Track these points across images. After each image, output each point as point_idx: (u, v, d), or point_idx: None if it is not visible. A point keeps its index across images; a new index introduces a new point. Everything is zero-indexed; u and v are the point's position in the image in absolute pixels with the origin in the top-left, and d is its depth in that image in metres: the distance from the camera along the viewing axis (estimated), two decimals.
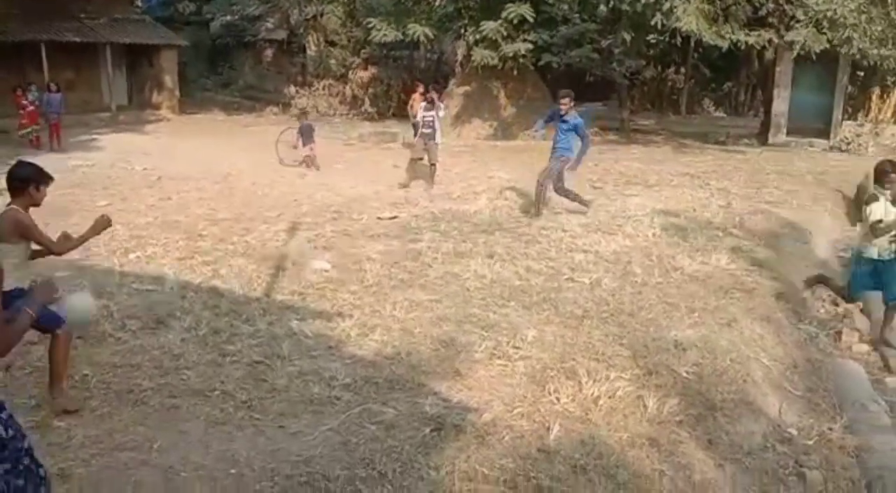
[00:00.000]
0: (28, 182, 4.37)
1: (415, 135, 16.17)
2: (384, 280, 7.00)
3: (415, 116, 16.17)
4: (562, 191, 10.12)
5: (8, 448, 2.73)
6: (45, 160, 14.20)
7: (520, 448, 4.17)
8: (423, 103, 12.63)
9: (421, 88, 16.67)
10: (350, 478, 3.81)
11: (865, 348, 6.80)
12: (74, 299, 4.20)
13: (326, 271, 7.21)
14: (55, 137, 16.37)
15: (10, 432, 2.77)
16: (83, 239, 4.67)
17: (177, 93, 25.24)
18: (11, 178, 4.39)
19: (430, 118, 12.28)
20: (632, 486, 3.96)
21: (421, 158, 12.41)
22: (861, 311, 7.56)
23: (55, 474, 3.74)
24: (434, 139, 12.29)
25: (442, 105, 13.12)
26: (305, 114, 16.10)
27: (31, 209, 4.45)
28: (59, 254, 4.56)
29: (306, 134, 14.20)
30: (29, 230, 4.36)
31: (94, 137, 17.70)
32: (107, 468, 3.87)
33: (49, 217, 9.42)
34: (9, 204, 4.40)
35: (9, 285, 3.77)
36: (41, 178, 4.45)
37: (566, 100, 10.20)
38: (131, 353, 5.30)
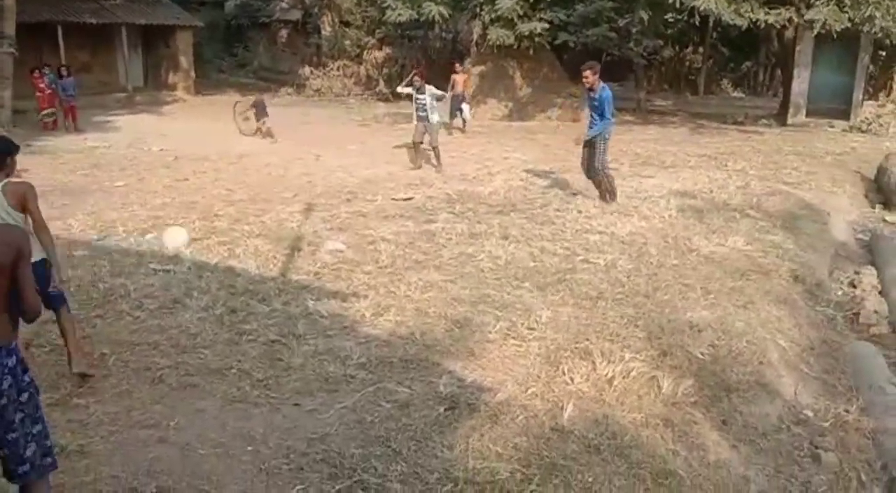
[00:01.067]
0: (8, 154, 4.23)
1: (451, 116, 16.17)
2: (399, 261, 7.01)
3: (457, 96, 16.16)
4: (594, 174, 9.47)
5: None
6: (62, 141, 14.43)
7: (533, 428, 4.19)
8: (415, 85, 12.31)
9: (459, 68, 16.55)
10: (365, 456, 3.85)
11: (883, 330, 6.74)
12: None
13: (341, 251, 7.22)
14: (71, 119, 16.46)
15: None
16: (55, 256, 4.51)
17: (192, 74, 25.27)
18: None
19: (423, 101, 12.05)
20: (646, 466, 3.96)
21: (421, 142, 12.30)
22: (880, 293, 7.49)
23: (74, 450, 3.81)
24: (429, 121, 12.09)
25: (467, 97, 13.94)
26: (261, 92, 18.07)
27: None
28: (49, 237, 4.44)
29: (259, 109, 15.57)
30: (32, 202, 4.29)
31: (111, 118, 17.79)
32: (125, 445, 3.92)
33: (67, 197, 9.56)
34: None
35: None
36: (12, 149, 4.32)
37: (587, 72, 9.09)
38: (149, 332, 5.36)
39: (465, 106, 16.56)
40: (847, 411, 5.03)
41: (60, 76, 16.60)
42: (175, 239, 7.37)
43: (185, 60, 25.05)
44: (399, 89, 12.76)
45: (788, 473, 4.33)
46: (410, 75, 13.08)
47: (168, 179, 11.05)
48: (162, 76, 25.38)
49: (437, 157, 12.18)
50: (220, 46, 31.11)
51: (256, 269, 6.76)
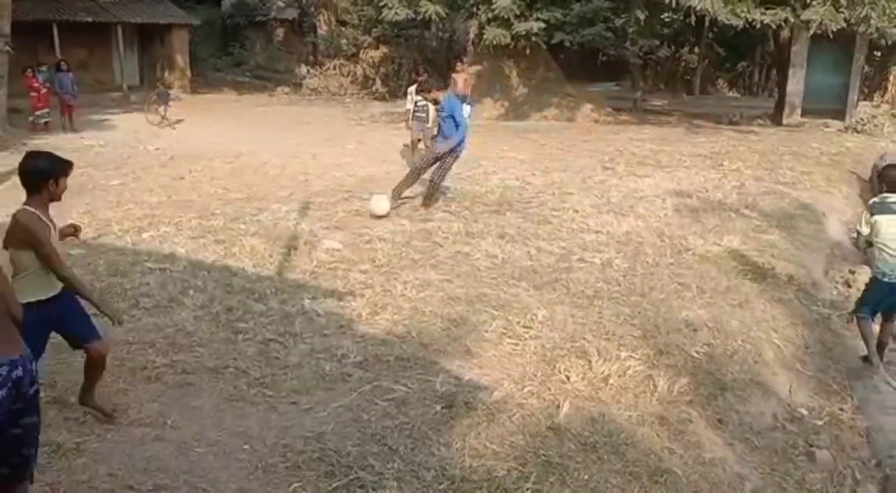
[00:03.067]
0: (45, 177, 3.67)
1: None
2: (395, 260, 7.02)
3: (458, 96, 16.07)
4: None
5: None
6: (58, 140, 14.37)
7: (530, 426, 4.20)
8: (415, 87, 12.35)
9: (460, 67, 16.53)
10: (362, 454, 3.86)
11: (877, 328, 6.77)
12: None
13: (338, 250, 7.22)
14: (68, 118, 16.33)
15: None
16: (88, 294, 3.98)
17: (188, 73, 25.23)
18: (25, 173, 3.70)
19: (424, 103, 12.10)
20: (641, 464, 3.98)
21: (419, 140, 12.35)
22: None
23: (70, 448, 3.81)
24: (428, 123, 12.15)
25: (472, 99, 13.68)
26: (164, 83, 19.84)
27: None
28: (64, 276, 3.77)
29: (162, 99, 17.63)
30: (37, 241, 3.63)
31: (106, 117, 17.74)
32: (121, 443, 3.93)
33: (63, 196, 9.52)
34: (25, 202, 3.71)
35: (42, 292, 3.67)
36: (59, 169, 3.74)
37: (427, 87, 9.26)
38: (145, 330, 5.35)
39: (466, 107, 16.54)
40: (841, 409, 5.07)
41: (59, 70, 16.44)
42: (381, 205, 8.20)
43: (180, 59, 25.01)
44: (408, 105, 12.66)
45: (783, 471, 4.36)
46: (419, 81, 13.06)
47: (164, 178, 11.04)
48: (158, 75, 25.32)
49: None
50: (216, 45, 31.03)
51: (253, 268, 6.76)
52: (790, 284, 7.05)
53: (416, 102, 12.13)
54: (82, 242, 7.40)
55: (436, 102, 9.25)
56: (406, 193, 9.07)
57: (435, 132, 9.90)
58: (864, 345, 5.88)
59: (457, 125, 8.77)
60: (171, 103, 17.79)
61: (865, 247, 5.91)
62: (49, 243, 3.67)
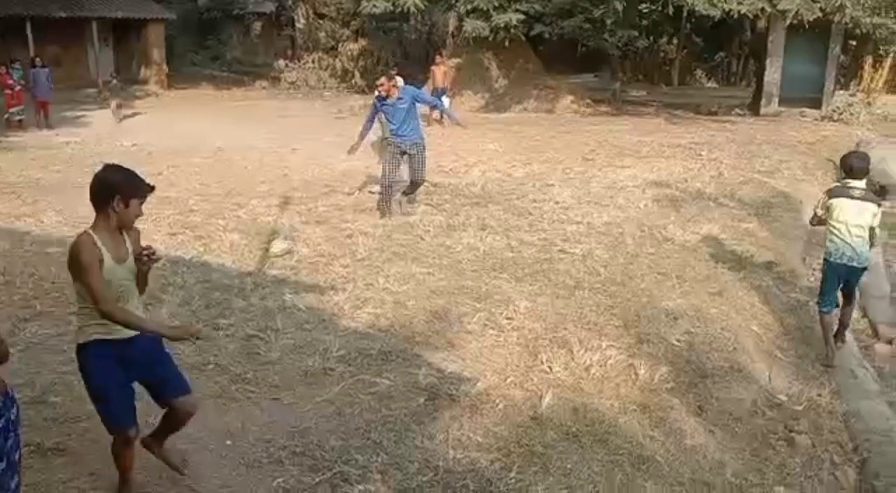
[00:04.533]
0: (110, 193, 3.11)
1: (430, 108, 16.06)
2: (376, 253, 7.01)
3: (435, 90, 16.01)
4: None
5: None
6: (33, 138, 14.17)
7: (513, 417, 4.22)
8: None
9: (439, 59, 16.46)
10: (345, 448, 3.85)
11: (854, 314, 6.86)
12: None
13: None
14: (43, 115, 16.08)
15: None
16: (148, 327, 3.30)
17: (164, 67, 24.95)
18: (91, 186, 3.18)
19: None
20: (623, 451, 4.01)
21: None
22: None
23: (50, 448, 3.77)
24: None
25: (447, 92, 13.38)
26: (114, 76, 20.25)
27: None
28: (103, 312, 3.08)
29: (114, 91, 18.48)
30: (79, 268, 3.05)
31: (82, 113, 17.51)
32: (102, 442, 3.88)
33: (39, 194, 9.41)
34: (91, 225, 3.20)
35: (104, 331, 3.15)
36: (130, 187, 3.16)
37: (383, 80, 8.18)
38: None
39: (445, 99, 16.55)
40: (820, 395, 5.13)
41: (34, 67, 16.20)
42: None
43: (157, 54, 24.73)
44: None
45: (763, 456, 4.41)
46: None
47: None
48: (133, 70, 25.02)
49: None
50: (193, 39, 30.71)
51: (232, 263, 6.72)
52: (768, 271, 7.13)
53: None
54: (59, 239, 7.32)
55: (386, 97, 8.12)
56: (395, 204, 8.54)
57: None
58: (824, 339, 5.83)
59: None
60: (122, 95, 18.65)
61: (816, 224, 5.95)
62: (93, 274, 3.02)
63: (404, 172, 8.54)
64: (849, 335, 6.27)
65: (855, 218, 5.47)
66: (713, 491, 3.94)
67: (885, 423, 4.95)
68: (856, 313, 6.87)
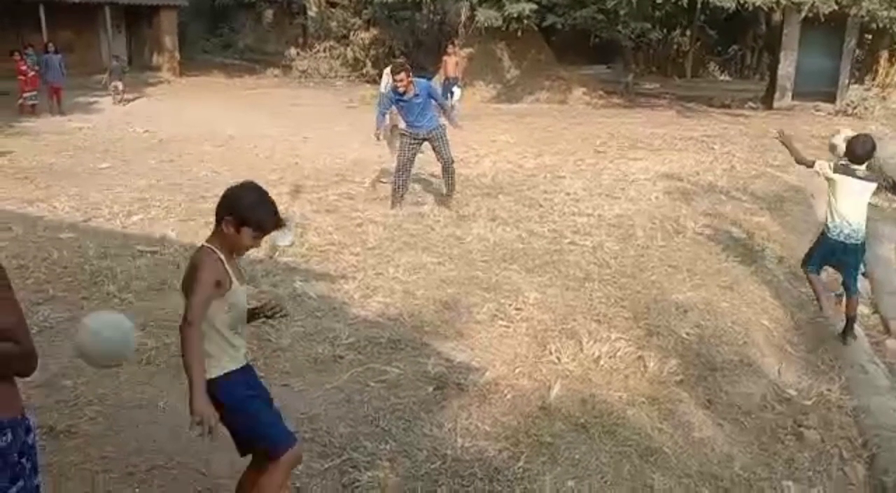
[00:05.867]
0: (226, 211, 2.81)
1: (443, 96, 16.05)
2: (387, 243, 7.01)
3: (447, 80, 15.99)
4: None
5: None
6: (46, 123, 14.24)
7: (521, 407, 4.23)
8: (389, 68, 12.25)
9: (451, 49, 16.44)
10: (354, 435, 3.87)
11: (866, 310, 6.83)
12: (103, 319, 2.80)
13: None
14: (56, 101, 16.15)
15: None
16: (192, 376, 2.81)
17: (177, 55, 24.94)
18: (219, 200, 2.89)
19: None
20: (632, 443, 4.01)
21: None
22: (863, 274, 7.56)
23: (62, 431, 3.81)
24: None
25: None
26: (117, 58, 19.36)
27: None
28: (186, 332, 2.76)
29: (116, 73, 17.71)
30: (193, 286, 2.77)
31: (94, 99, 17.56)
32: (115, 426, 3.93)
33: (52, 179, 9.46)
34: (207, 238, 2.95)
35: (227, 359, 2.89)
36: (248, 214, 2.80)
37: (402, 75, 7.76)
38: (136, 314, 5.32)
39: (455, 89, 16.51)
40: (829, 389, 5.10)
41: (46, 53, 16.25)
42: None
43: (169, 41, 24.72)
44: (383, 88, 12.43)
45: (772, 450, 4.39)
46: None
47: (153, 161, 10.97)
48: (146, 57, 25.04)
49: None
50: (205, 27, 30.73)
51: None
52: (780, 265, 7.09)
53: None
54: (71, 225, 7.37)
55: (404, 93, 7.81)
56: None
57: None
58: (815, 296, 6.00)
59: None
60: (124, 77, 18.06)
61: (800, 163, 6.03)
62: (203, 294, 2.74)
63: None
64: (860, 331, 6.24)
65: (857, 196, 5.59)
66: (721, 484, 3.93)
67: (895, 419, 4.92)
68: (867, 309, 6.84)
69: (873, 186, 5.70)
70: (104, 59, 23.25)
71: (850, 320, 5.92)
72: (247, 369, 3.04)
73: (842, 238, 5.65)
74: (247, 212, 2.81)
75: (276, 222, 2.92)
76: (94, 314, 2.93)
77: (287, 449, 2.99)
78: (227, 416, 2.88)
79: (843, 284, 5.93)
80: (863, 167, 5.65)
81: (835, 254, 5.76)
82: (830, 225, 5.70)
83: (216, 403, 2.79)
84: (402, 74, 7.73)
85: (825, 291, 5.97)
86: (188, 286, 2.79)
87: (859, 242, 5.71)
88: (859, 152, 5.59)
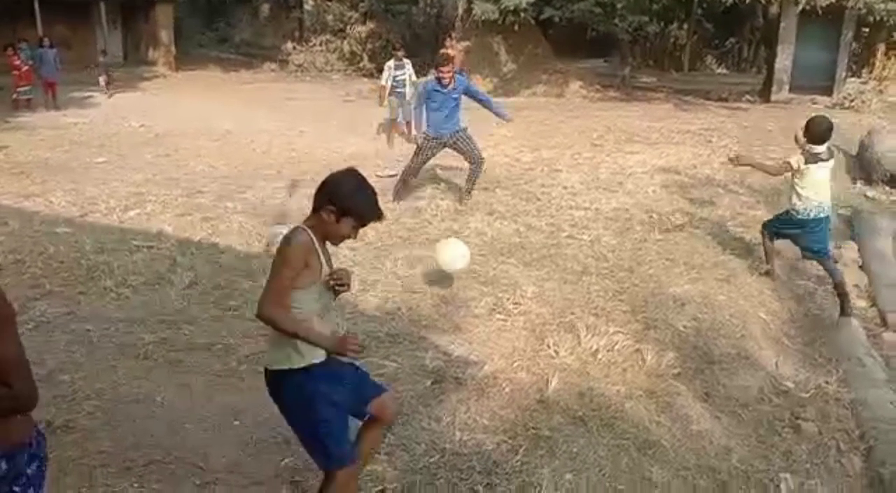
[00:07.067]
0: (327, 199, 2.77)
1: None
2: (385, 237, 7.00)
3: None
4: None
5: None
6: (41, 118, 14.18)
7: (519, 400, 4.23)
8: (393, 62, 12.36)
9: (449, 43, 16.41)
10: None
11: (863, 303, 6.83)
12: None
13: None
14: (51, 95, 16.07)
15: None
16: (311, 337, 2.78)
17: (173, 49, 24.85)
18: (320, 184, 2.87)
19: (402, 77, 12.15)
20: (629, 436, 4.01)
21: (396, 117, 12.35)
22: (860, 267, 7.56)
23: (60, 425, 3.80)
24: (405, 96, 12.19)
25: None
26: (104, 53, 19.53)
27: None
28: (267, 314, 2.74)
29: (102, 68, 18.29)
30: (280, 263, 2.73)
31: (89, 94, 17.49)
32: (112, 420, 3.92)
33: (48, 173, 9.43)
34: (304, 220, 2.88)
35: (299, 357, 2.79)
36: (350, 205, 2.76)
37: (449, 67, 7.71)
38: (133, 308, 5.33)
39: None
40: (827, 382, 5.11)
41: (41, 46, 16.16)
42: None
43: (165, 35, 24.62)
44: (384, 80, 12.40)
45: (769, 443, 4.39)
46: (397, 53, 12.95)
47: (149, 156, 10.94)
48: (142, 52, 24.95)
49: (409, 130, 12.27)
50: (201, 21, 30.59)
51: (241, 245, 6.73)
52: (777, 259, 7.08)
53: (394, 77, 12.12)
54: (68, 219, 7.35)
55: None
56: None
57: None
58: (764, 255, 6.59)
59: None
60: (111, 72, 18.61)
61: (775, 174, 6.73)
62: (287, 275, 2.68)
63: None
64: (857, 323, 6.25)
65: (824, 177, 6.06)
66: (719, 477, 3.94)
67: (892, 411, 4.92)
68: (864, 303, 6.85)
69: (832, 162, 6.17)
70: (99, 54, 23.17)
71: (842, 296, 6.16)
72: (330, 363, 2.85)
73: (813, 215, 6.06)
74: (349, 202, 2.76)
75: (378, 215, 2.86)
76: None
77: (340, 468, 2.87)
78: (292, 413, 2.85)
79: (815, 251, 6.26)
80: (824, 147, 6.00)
81: (803, 227, 6.16)
82: (801, 208, 6.09)
83: (281, 397, 2.81)
84: (449, 66, 7.75)
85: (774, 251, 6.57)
86: (274, 264, 2.73)
87: (826, 214, 6.14)
88: (818, 131, 5.94)
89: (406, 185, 8.31)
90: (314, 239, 2.76)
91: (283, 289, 2.70)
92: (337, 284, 2.85)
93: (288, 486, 3.48)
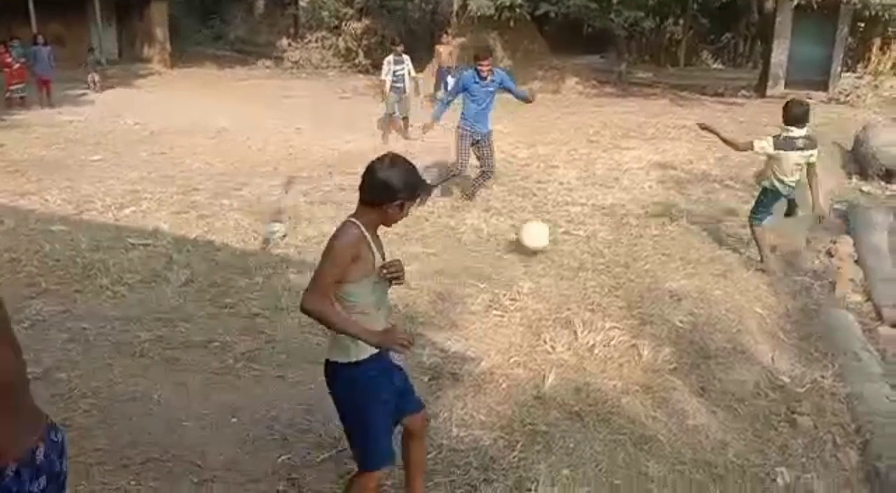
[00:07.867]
0: (392, 197, 2.76)
1: (435, 88, 16.04)
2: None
3: (440, 70, 15.99)
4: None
5: None
6: (36, 116, 14.13)
7: (516, 396, 4.23)
8: (392, 57, 12.38)
9: (445, 39, 16.41)
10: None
11: (859, 298, 6.85)
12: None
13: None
14: (45, 93, 16.00)
15: None
16: (353, 330, 2.73)
17: (167, 46, 24.75)
18: (373, 179, 2.79)
19: (401, 72, 12.18)
20: (626, 431, 4.03)
21: (393, 113, 12.36)
22: (856, 262, 7.58)
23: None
24: (405, 92, 12.24)
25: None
26: (91, 50, 19.42)
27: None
28: (311, 306, 2.72)
29: (91, 65, 18.27)
30: (327, 255, 2.74)
31: (84, 91, 17.45)
32: (108, 418, 3.92)
33: (43, 171, 9.40)
34: (353, 214, 2.84)
35: (353, 350, 2.77)
36: (413, 192, 2.81)
37: (489, 61, 7.77)
38: (129, 306, 5.33)
39: (450, 79, 16.46)
40: (823, 377, 5.12)
41: (35, 44, 16.07)
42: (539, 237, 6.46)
43: (160, 33, 24.52)
44: (384, 75, 12.38)
45: (766, 437, 4.41)
46: (396, 48, 12.92)
47: (145, 154, 10.91)
48: (136, 49, 24.85)
49: (406, 126, 12.29)
50: (196, 18, 30.49)
51: (237, 243, 6.72)
52: (773, 253, 7.10)
53: (393, 72, 12.12)
54: (63, 218, 7.33)
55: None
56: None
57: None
58: (758, 251, 6.66)
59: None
60: (99, 69, 18.61)
61: (742, 149, 6.73)
62: (335, 268, 2.69)
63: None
64: (852, 318, 6.27)
65: (798, 164, 6.26)
66: (715, 471, 3.95)
67: (888, 405, 4.94)
68: (860, 297, 6.87)
69: (814, 152, 6.30)
70: (95, 52, 23.09)
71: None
72: (382, 358, 2.85)
73: (785, 193, 6.50)
74: (412, 191, 2.80)
75: (427, 189, 2.94)
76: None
77: (376, 469, 2.92)
78: (343, 405, 2.88)
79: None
80: (804, 130, 6.19)
81: (780, 202, 6.63)
82: (780, 187, 6.40)
83: (334, 389, 2.82)
84: (489, 59, 7.80)
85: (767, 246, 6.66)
86: (322, 257, 2.73)
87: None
88: (795, 111, 6.20)
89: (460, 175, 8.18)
90: (365, 232, 2.77)
91: (326, 284, 2.71)
92: (391, 275, 2.85)
93: (285, 483, 3.48)
